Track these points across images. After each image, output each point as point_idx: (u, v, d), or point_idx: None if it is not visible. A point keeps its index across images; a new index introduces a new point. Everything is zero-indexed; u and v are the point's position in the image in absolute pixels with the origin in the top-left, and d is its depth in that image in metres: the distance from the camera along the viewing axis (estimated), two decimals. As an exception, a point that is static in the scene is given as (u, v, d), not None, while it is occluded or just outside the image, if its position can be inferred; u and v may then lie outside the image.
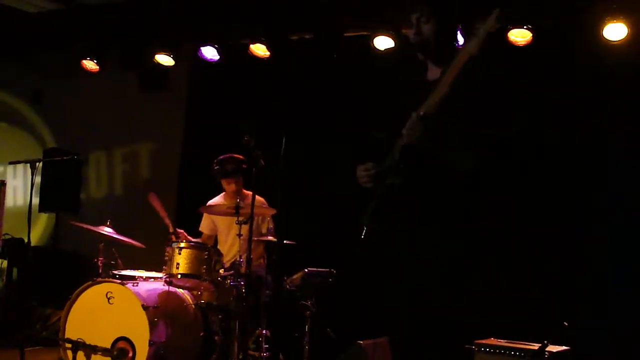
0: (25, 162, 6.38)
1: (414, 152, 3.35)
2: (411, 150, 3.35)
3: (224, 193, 7.08)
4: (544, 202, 6.88)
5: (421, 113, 3.29)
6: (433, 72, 3.56)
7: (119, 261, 6.69)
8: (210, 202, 7.10)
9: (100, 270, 6.49)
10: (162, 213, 6.67)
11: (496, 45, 6.68)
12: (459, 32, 3.51)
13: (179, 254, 6.22)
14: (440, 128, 3.28)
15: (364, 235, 3.45)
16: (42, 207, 9.25)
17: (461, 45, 3.40)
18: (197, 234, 7.16)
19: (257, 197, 6.22)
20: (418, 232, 3.41)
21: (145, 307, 6.03)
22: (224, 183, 6.93)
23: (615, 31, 6.49)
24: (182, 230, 6.69)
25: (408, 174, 3.39)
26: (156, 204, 6.68)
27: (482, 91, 3.32)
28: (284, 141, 6.02)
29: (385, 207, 3.45)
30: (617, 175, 6.69)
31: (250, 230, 5.91)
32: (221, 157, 6.89)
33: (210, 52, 8.08)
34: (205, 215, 7.17)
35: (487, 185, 3.43)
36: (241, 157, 6.81)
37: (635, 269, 6.48)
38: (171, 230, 6.61)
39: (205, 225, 7.22)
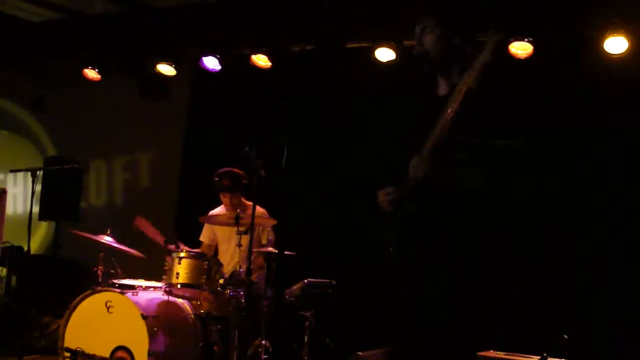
0: (26, 170, 6.39)
1: (425, 181, 3.38)
2: (422, 180, 3.39)
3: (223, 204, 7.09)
4: (545, 214, 6.88)
5: (425, 153, 3.34)
6: (442, 87, 3.59)
7: (119, 270, 6.68)
8: (212, 212, 7.10)
9: (100, 279, 6.48)
10: (153, 233, 6.65)
11: (500, 57, 6.76)
12: (461, 42, 3.52)
13: (179, 263, 6.21)
14: (443, 161, 3.32)
15: (392, 258, 3.50)
16: (42, 216, 9.25)
17: (467, 57, 3.42)
18: (196, 243, 7.16)
19: (258, 207, 6.23)
20: (427, 251, 3.42)
21: (144, 317, 6.02)
22: (221, 197, 6.95)
23: (615, 45, 6.51)
24: (182, 245, 6.66)
25: (422, 201, 3.43)
26: (145, 226, 6.66)
27: (489, 105, 3.33)
28: (285, 151, 6.02)
29: (406, 232, 3.48)
30: (618, 186, 6.70)
31: (251, 241, 5.91)
32: (221, 170, 6.91)
33: (211, 62, 8.10)
34: (205, 225, 7.18)
35: (497, 201, 3.45)
36: (241, 172, 6.82)
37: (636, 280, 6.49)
38: (166, 242, 6.58)
39: (205, 235, 7.23)
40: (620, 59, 6.55)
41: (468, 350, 3.53)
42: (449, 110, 3.26)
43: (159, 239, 6.64)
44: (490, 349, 5.55)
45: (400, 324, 3.55)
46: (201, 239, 7.24)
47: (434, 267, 3.41)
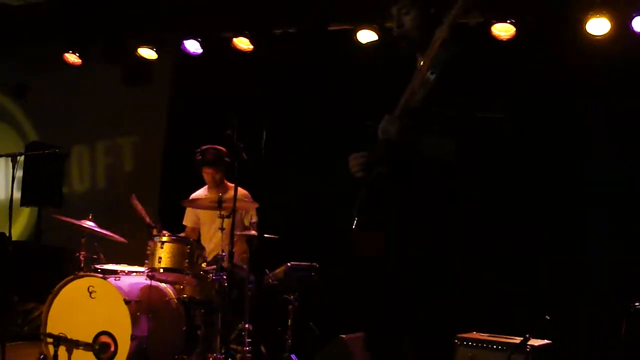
0: (7, 155, 6.33)
1: (398, 143, 3.35)
2: (393, 144, 3.35)
3: (206, 185, 7.07)
4: (526, 194, 6.90)
5: (397, 112, 3.31)
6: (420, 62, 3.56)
7: (101, 255, 6.65)
8: (194, 195, 7.09)
9: (82, 265, 6.45)
10: (143, 214, 6.62)
11: (480, 37, 6.76)
12: (440, 21, 3.50)
13: (161, 248, 6.19)
14: (418, 126, 3.28)
15: (354, 226, 3.43)
16: (24, 202, 9.18)
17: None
18: (180, 227, 7.14)
19: (240, 190, 6.22)
20: (402, 223, 3.39)
21: (127, 302, 6.00)
22: (204, 173, 6.93)
23: (598, 26, 6.51)
24: (165, 232, 6.63)
25: (394, 164, 3.38)
26: (137, 206, 6.63)
27: (466, 76, 3.31)
28: (264, 134, 6.01)
29: (374, 198, 3.43)
30: (600, 167, 6.72)
31: (233, 224, 5.89)
32: (203, 147, 6.90)
33: (193, 46, 8.07)
34: (188, 208, 7.16)
35: (471, 175, 3.42)
36: (223, 149, 6.80)
37: (616, 259, 6.51)
38: (153, 226, 6.55)
39: (188, 219, 7.21)
40: (602, 40, 6.55)
41: (445, 330, 3.49)
42: (424, 64, 3.23)
43: (148, 221, 6.60)
44: (472, 331, 5.56)
45: (369, 301, 3.54)
46: (184, 222, 7.22)
47: (401, 237, 3.38)
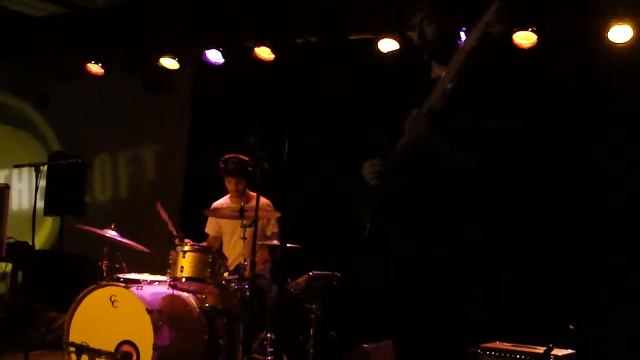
0: (30, 165, 6.38)
1: (415, 152, 3.33)
2: (412, 150, 3.33)
3: (228, 194, 7.08)
4: (548, 202, 6.85)
5: (425, 109, 3.28)
6: (436, 71, 3.55)
7: (123, 264, 6.68)
8: (215, 204, 7.10)
9: (105, 274, 6.48)
10: (168, 222, 6.64)
11: (502, 45, 6.73)
12: (462, 33, 3.50)
13: (183, 257, 6.20)
14: (444, 125, 3.26)
15: (367, 234, 3.42)
16: (47, 211, 9.25)
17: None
18: (202, 236, 7.16)
19: (262, 199, 6.22)
20: (421, 233, 3.38)
21: (149, 311, 6.01)
22: (226, 182, 6.94)
23: (620, 33, 6.47)
24: (188, 240, 6.65)
25: (409, 174, 3.37)
26: (162, 213, 6.65)
27: (488, 84, 3.30)
28: (286, 143, 6.01)
29: (388, 206, 3.42)
30: (619, 175, 6.67)
31: (255, 234, 5.89)
32: (226, 156, 6.91)
33: (214, 55, 8.09)
34: (211, 217, 7.17)
35: (491, 183, 3.40)
36: (246, 158, 6.81)
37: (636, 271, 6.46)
38: (177, 238, 6.56)
39: (211, 227, 7.22)
40: (624, 48, 6.51)
41: (465, 340, 3.48)
42: (448, 73, 3.22)
43: (172, 228, 6.61)
44: (495, 340, 5.53)
45: (395, 310, 3.53)
46: (207, 230, 7.23)
47: (416, 248, 3.36)
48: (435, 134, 3.29)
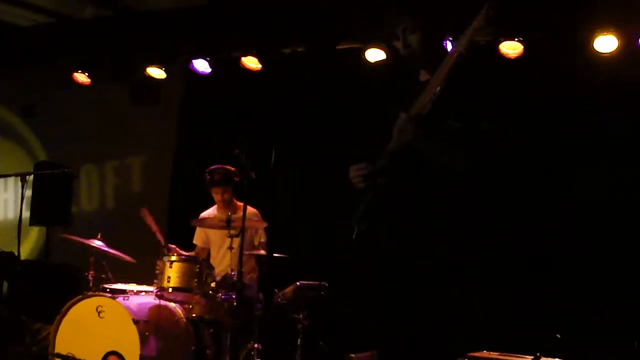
0: (16, 175, 6.37)
1: (404, 154, 3.33)
2: (401, 152, 3.33)
3: (216, 205, 7.08)
4: (537, 207, 6.87)
5: (412, 114, 3.28)
6: (425, 74, 3.56)
7: (110, 275, 6.65)
8: (203, 215, 7.10)
9: (91, 284, 6.46)
10: (154, 228, 6.64)
11: (488, 54, 6.76)
12: (447, 40, 3.51)
13: (170, 267, 6.19)
14: (433, 128, 3.26)
15: (354, 237, 3.41)
16: (33, 221, 9.19)
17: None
18: (189, 247, 7.14)
19: (250, 209, 6.22)
20: (407, 237, 3.38)
21: (136, 321, 6.00)
22: (213, 193, 6.93)
23: (605, 44, 6.51)
24: (173, 245, 6.65)
25: (397, 175, 3.37)
26: (148, 219, 6.64)
27: (476, 87, 3.31)
28: (273, 153, 6.01)
29: (375, 208, 3.41)
30: (610, 186, 6.70)
31: (242, 243, 5.89)
32: (212, 167, 6.91)
33: (201, 65, 8.08)
34: (198, 227, 7.16)
35: (480, 187, 3.40)
36: (232, 168, 6.81)
37: (623, 279, 6.48)
38: (163, 244, 6.57)
39: (198, 238, 7.21)
40: (610, 58, 6.55)
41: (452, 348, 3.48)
42: (436, 78, 3.23)
43: (159, 236, 6.60)
44: (482, 350, 5.53)
45: (380, 320, 3.52)
46: (195, 241, 7.21)
47: (404, 251, 3.36)
48: (423, 137, 3.29)
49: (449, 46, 3.47)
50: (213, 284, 6.29)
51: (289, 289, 6.48)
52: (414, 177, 3.36)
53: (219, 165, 6.89)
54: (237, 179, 6.75)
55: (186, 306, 6.54)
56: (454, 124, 3.25)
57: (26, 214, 8.59)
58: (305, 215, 7.66)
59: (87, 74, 8.69)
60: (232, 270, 6.20)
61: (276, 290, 6.55)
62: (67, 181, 9.16)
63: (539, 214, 6.88)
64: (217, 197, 6.95)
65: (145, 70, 8.41)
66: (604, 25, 6.48)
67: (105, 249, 6.56)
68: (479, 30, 3.19)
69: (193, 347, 6.34)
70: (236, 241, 6.13)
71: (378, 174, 3.40)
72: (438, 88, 3.22)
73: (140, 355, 5.91)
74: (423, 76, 3.55)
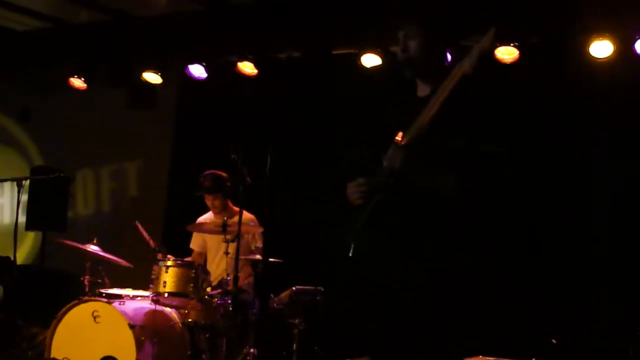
0: (12, 180, 6.36)
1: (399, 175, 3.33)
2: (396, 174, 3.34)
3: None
4: (532, 218, 6.88)
5: (402, 143, 3.29)
6: (422, 89, 3.55)
7: (106, 279, 6.65)
8: (200, 220, 7.09)
9: (87, 289, 6.46)
10: (147, 238, 6.63)
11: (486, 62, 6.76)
12: (446, 49, 3.51)
13: (166, 272, 6.19)
14: (421, 158, 3.27)
15: (351, 252, 3.41)
16: (29, 226, 9.18)
17: (451, 63, 3.40)
18: (185, 252, 7.13)
19: (246, 214, 6.22)
20: (404, 250, 3.38)
21: (131, 326, 5.99)
22: (206, 199, 6.93)
23: (601, 49, 6.53)
24: (170, 256, 6.62)
25: (395, 191, 3.37)
26: (142, 230, 6.64)
27: (476, 108, 3.31)
28: (269, 158, 6.02)
29: (373, 224, 3.40)
30: (602, 192, 6.71)
31: (238, 248, 5.89)
32: (204, 173, 6.90)
33: (198, 70, 8.09)
34: (195, 232, 7.15)
35: (474, 203, 3.40)
36: (224, 174, 6.80)
37: (622, 284, 6.49)
38: (155, 248, 6.54)
39: (195, 243, 7.20)
40: (605, 63, 6.57)
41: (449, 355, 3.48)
42: (439, 97, 3.22)
43: (152, 244, 6.60)
44: (478, 355, 5.54)
45: (374, 327, 3.53)
46: (192, 246, 7.21)
47: (401, 265, 3.36)
48: (412, 165, 3.29)
49: (449, 57, 3.47)
50: (209, 289, 6.29)
51: (284, 294, 6.48)
52: (408, 194, 3.35)
53: (210, 172, 6.87)
54: (230, 184, 6.74)
55: (182, 311, 6.54)
56: (455, 143, 3.24)
57: (22, 219, 8.59)
58: (301, 220, 7.67)
59: (83, 78, 8.70)
60: (227, 275, 6.20)
61: (272, 295, 6.55)
62: (64, 186, 9.14)
63: (535, 219, 6.88)
64: (208, 203, 6.94)
65: (141, 75, 8.42)
66: (599, 31, 6.49)
67: (101, 253, 6.56)
68: (485, 52, 3.18)
69: (189, 352, 6.33)
70: (232, 246, 6.13)
71: (377, 191, 3.39)
72: (439, 108, 3.21)
73: (136, 360, 5.91)
74: (421, 91, 3.54)
